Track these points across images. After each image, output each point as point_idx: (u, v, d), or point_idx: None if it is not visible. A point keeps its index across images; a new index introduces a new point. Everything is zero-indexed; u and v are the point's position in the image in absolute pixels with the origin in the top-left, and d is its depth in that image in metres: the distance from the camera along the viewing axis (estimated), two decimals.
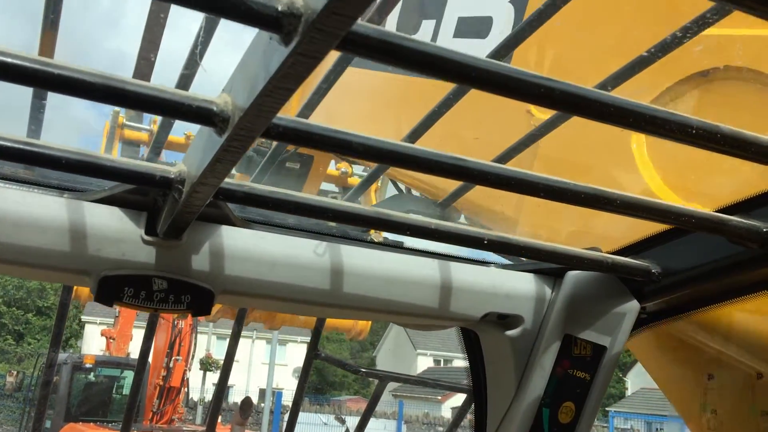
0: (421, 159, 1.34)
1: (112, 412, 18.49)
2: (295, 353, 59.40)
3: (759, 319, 2.04)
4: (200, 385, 33.31)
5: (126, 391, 18.82)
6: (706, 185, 2.02)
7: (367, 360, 71.96)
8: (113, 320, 22.52)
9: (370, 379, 3.61)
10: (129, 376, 18.70)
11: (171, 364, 18.00)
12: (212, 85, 1.24)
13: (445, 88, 1.87)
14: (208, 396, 33.67)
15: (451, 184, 2.34)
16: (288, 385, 45.76)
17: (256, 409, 33.58)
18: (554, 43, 2.25)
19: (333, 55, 1.33)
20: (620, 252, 1.98)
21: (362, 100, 3.71)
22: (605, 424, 43.36)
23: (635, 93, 1.67)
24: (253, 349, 51.49)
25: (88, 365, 18.51)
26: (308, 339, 2.89)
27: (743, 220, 1.60)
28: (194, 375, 23.51)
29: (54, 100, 1.64)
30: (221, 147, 1.10)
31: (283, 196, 1.56)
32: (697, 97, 1.96)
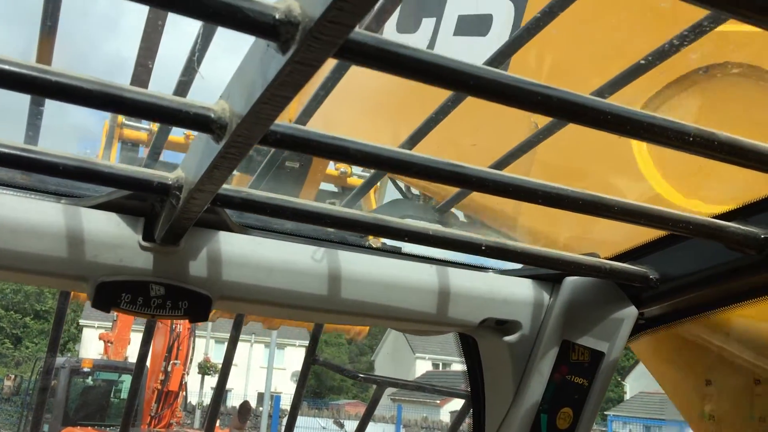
0: (418, 165, 1.34)
1: (109, 416, 18.48)
2: (294, 357, 59.36)
3: (757, 325, 2.04)
4: (198, 389, 33.30)
5: (124, 395, 18.80)
6: (709, 183, 2.02)
7: (365, 364, 71.92)
8: (111, 324, 22.52)
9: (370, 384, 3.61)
10: (127, 380, 18.70)
11: (169, 368, 17.98)
12: (209, 91, 1.24)
13: (445, 92, 1.87)
14: (206, 400, 33.64)
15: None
16: (286, 389, 45.69)
17: (255, 413, 33.56)
18: (551, 49, 2.25)
19: (330, 62, 1.33)
20: (618, 258, 1.98)
21: (361, 102, 3.71)
22: (604, 428, 43.32)
23: (637, 89, 1.67)
24: (251, 353, 51.46)
25: (86, 369, 18.51)
26: (307, 343, 2.89)
27: (741, 227, 1.60)
28: (192, 379, 23.49)
29: (52, 105, 1.64)
30: (219, 154, 1.10)
31: (281, 202, 1.56)
32: (698, 93, 1.96)
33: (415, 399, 51.76)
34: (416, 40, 3.25)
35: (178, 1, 0.85)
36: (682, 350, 2.31)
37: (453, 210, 2.84)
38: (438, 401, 52.05)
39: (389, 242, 2.13)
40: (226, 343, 2.89)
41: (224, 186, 1.43)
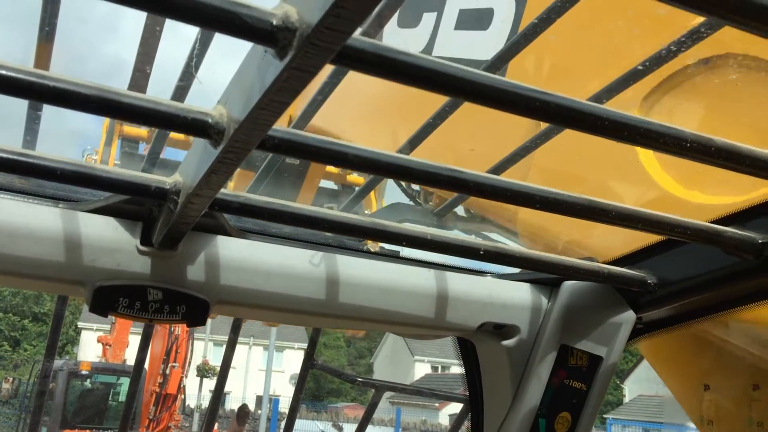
0: (416, 170, 1.34)
1: (108, 419, 18.47)
2: (293, 360, 59.32)
3: (755, 329, 2.04)
4: (197, 392, 33.26)
5: (122, 397, 18.79)
6: (709, 175, 2.01)
7: (364, 367, 71.89)
8: (110, 327, 22.49)
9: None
10: (125, 382, 18.69)
11: (167, 371, 17.97)
12: (207, 96, 1.24)
13: (442, 97, 1.87)
14: (205, 403, 33.61)
15: None
16: (285, 392, 45.64)
17: (253, 416, 33.52)
18: (549, 54, 2.25)
19: (328, 67, 1.33)
20: (616, 262, 1.98)
21: (359, 107, 3.71)
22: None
23: (637, 90, 1.66)
24: (250, 356, 51.42)
25: (84, 372, 18.50)
26: (305, 345, 2.88)
27: (738, 231, 1.60)
28: (191, 382, 23.47)
29: (50, 110, 1.64)
30: (216, 159, 1.10)
31: (279, 206, 1.56)
32: (699, 84, 1.95)
33: (414, 402, 51.70)
34: (417, 35, 3.25)
35: (176, 8, 0.85)
36: (680, 355, 2.31)
37: (450, 222, 2.84)
38: (437, 404, 51.99)
39: (387, 246, 2.13)
40: (224, 346, 2.89)
41: (222, 190, 1.43)
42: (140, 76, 1.69)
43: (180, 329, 18.03)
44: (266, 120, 0.99)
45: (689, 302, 1.91)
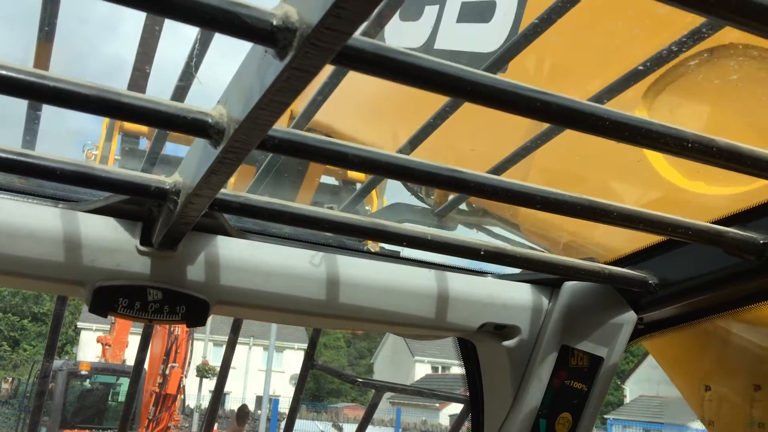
0: (417, 171, 1.34)
1: (107, 419, 18.47)
2: (293, 360, 59.33)
3: (756, 330, 2.04)
4: (196, 392, 33.26)
5: (122, 398, 18.79)
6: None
7: (364, 367, 71.90)
8: (109, 327, 22.49)
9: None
10: (125, 383, 18.70)
11: (167, 371, 17.96)
12: (207, 97, 1.24)
13: (443, 97, 1.86)
14: (205, 403, 33.62)
15: None
16: (285, 393, 45.66)
17: (253, 416, 33.52)
18: (549, 54, 2.25)
19: (329, 67, 1.33)
20: (617, 263, 1.97)
21: (359, 107, 3.70)
22: None
23: (637, 90, 1.65)
24: (249, 356, 51.43)
25: (83, 372, 18.50)
26: (305, 346, 2.88)
27: (740, 232, 1.60)
28: (190, 382, 23.46)
29: (49, 110, 1.64)
30: (216, 159, 1.10)
31: (279, 206, 1.55)
32: (702, 74, 1.94)
33: (414, 402, 51.69)
34: (419, 28, 3.24)
35: (175, 8, 0.84)
36: (681, 355, 2.30)
37: (450, 222, 2.83)
38: (437, 405, 51.99)
39: (388, 247, 2.13)
40: (224, 346, 2.88)
41: (222, 190, 1.43)
42: (140, 76, 1.69)
43: (180, 329, 18.02)
44: (266, 120, 0.99)
45: (690, 303, 1.91)
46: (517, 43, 1.65)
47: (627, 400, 58.29)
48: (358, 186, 8.01)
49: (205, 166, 1.15)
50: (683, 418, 41.76)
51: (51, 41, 1.58)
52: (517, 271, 2.12)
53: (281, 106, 0.94)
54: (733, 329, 2.08)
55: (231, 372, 2.91)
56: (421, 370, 65.25)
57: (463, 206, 3.11)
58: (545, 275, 2.04)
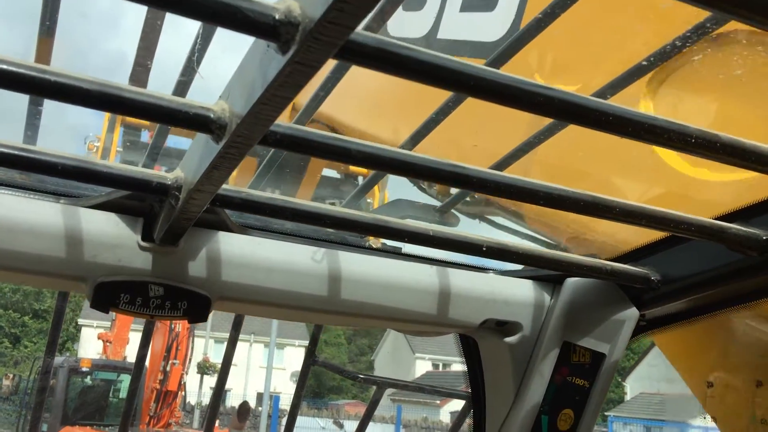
0: (419, 166, 1.34)
1: (108, 415, 18.48)
2: (293, 357, 59.36)
3: (758, 327, 2.03)
4: (197, 389, 33.27)
5: (123, 394, 18.80)
6: None
7: (365, 364, 71.95)
8: (110, 324, 22.49)
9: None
10: (125, 379, 18.70)
11: (168, 368, 17.97)
12: (208, 92, 1.23)
13: (446, 92, 1.86)
14: (205, 400, 33.65)
15: None
16: (286, 389, 45.68)
17: (254, 413, 33.55)
18: (551, 49, 2.24)
19: (331, 62, 1.32)
20: (619, 259, 1.97)
21: (361, 102, 3.69)
22: (604, 429, 43.36)
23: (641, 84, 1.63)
24: (250, 353, 51.46)
25: (84, 369, 18.50)
26: (306, 343, 2.87)
27: (742, 228, 1.59)
28: (191, 379, 23.47)
29: (51, 105, 1.64)
30: (218, 154, 1.10)
31: (281, 202, 1.55)
32: (708, 59, 1.93)
33: (415, 399, 51.74)
34: (422, 18, 3.23)
35: (177, 2, 0.84)
36: (684, 352, 2.30)
37: (452, 218, 2.82)
38: (438, 402, 52.04)
39: (389, 242, 2.12)
40: (225, 343, 2.88)
41: (224, 186, 1.43)
42: (141, 71, 1.68)
43: (180, 326, 18.03)
44: (268, 115, 0.98)
45: (693, 299, 1.91)
46: (520, 38, 1.64)
47: (628, 397, 58.34)
48: (360, 179, 8.01)
49: (207, 162, 1.15)
50: (684, 415, 41.80)
51: (52, 36, 1.58)
52: (519, 267, 2.12)
53: (283, 101, 0.94)
54: (735, 326, 2.08)
55: (232, 369, 2.90)
56: (422, 367, 65.29)
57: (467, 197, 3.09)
58: (547, 271, 2.04)
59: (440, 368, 66.18)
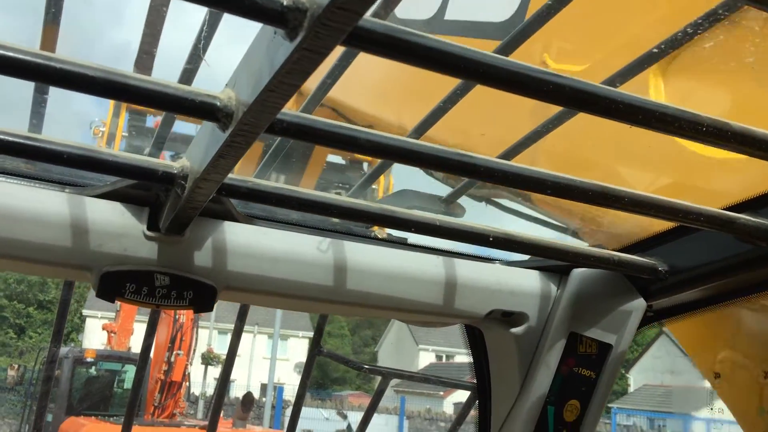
0: (426, 155, 1.33)
1: (113, 405, 18.53)
2: (297, 348, 59.56)
3: (766, 318, 2.02)
4: (201, 380, 33.37)
5: (127, 385, 18.86)
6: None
7: (369, 355, 72.11)
8: (114, 314, 22.54)
9: (372, 375, 3.60)
10: (130, 370, 18.74)
11: (172, 359, 18.01)
12: (214, 81, 1.23)
13: (453, 80, 1.84)
14: (210, 390, 33.73)
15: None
16: (289, 380, 45.84)
17: (258, 404, 33.65)
18: (560, 37, 2.22)
19: (338, 50, 1.31)
20: (627, 249, 1.96)
21: (368, 91, 3.66)
22: (607, 421, 43.40)
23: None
24: (254, 344, 51.55)
25: (89, 359, 18.55)
26: (310, 334, 2.88)
27: (752, 218, 1.58)
28: (195, 369, 23.54)
29: (57, 92, 1.63)
30: (225, 142, 1.09)
31: (286, 191, 1.54)
32: (719, 46, 1.90)
33: (419, 391, 51.88)
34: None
35: None
36: (692, 343, 2.29)
37: (458, 209, 2.80)
38: (441, 393, 52.18)
39: (395, 233, 2.12)
40: (229, 334, 2.88)
41: (230, 175, 1.42)
42: (146, 59, 1.67)
43: (184, 317, 18.06)
44: (275, 103, 0.97)
45: (701, 290, 1.90)
46: (529, 25, 1.63)
47: (631, 389, 58.41)
48: (365, 165, 7.99)
49: (213, 150, 1.14)
50: (688, 407, 41.85)
51: (57, 23, 1.57)
52: (525, 257, 2.11)
53: (291, 88, 0.93)
54: (743, 317, 2.07)
55: (236, 360, 2.90)
56: (426, 359, 65.42)
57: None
58: (554, 262, 2.03)
59: (444, 360, 66.32)
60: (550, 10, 1.56)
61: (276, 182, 1.59)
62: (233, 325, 2.77)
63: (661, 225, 1.85)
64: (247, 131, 1.06)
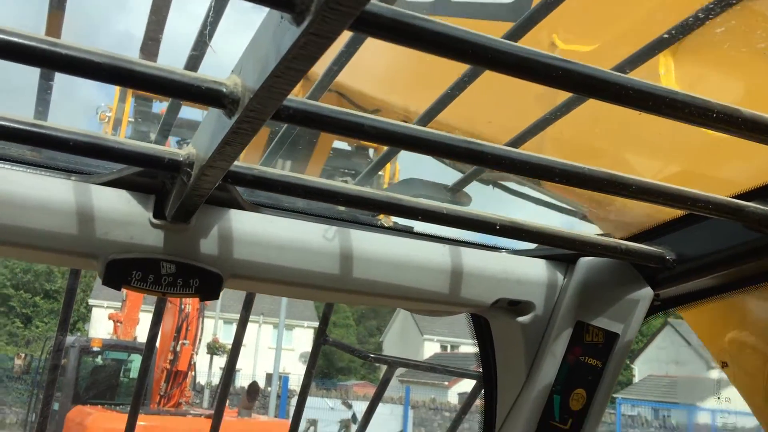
0: (433, 142, 1.32)
1: (119, 395, 18.62)
2: (302, 338, 59.64)
3: None
4: (207, 369, 33.49)
5: (133, 374, 18.95)
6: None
7: (374, 345, 72.21)
8: (120, 304, 22.61)
9: (378, 364, 3.60)
10: (136, 359, 18.83)
11: (178, 348, 18.06)
12: (220, 68, 1.22)
13: (461, 67, 1.82)
14: (215, 380, 33.87)
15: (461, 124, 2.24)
16: (295, 370, 45.90)
17: (263, 393, 33.75)
18: (570, 10, 2.19)
19: (345, 36, 1.30)
20: (634, 238, 1.95)
21: (375, 77, 3.64)
22: (612, 411, 43.38)
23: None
24: (259, 334, 51.68)
25: (95, 349, 18.63)
26: (315, 324, 2.87)
27: (760, 206, 1.57)
28: (201, 359, 23.60)
29: (62, 79, 1.62)
30: (231, 129, 1.09)
31: (293, 179, 1.54)
32: (731, 32, 1.88)
33: (423, 381, 51.97)
34: None
35: None
36: (698, 331, 2.28)
37: (465, 197, 2.79)
38: (446, 383, 52.26)
39: (401, 221, 2.11)
40: (234, 324, 2.88)
41: (236, 163, 1.42)
42: (152, 45, 1.67)
43: (190, 307, 18.10)
44: (282, 89, 0.97)
45: (708, 279, 1.89)
46: (537, 11, 1.62)
47: (636, 379, 58.46)
48: (371, 152, 7.96)
49: (219, 137, 1.14)
50: (693, 397, 41.88)
51: (62, 9, 1.56)
52: (532, 246, 2.10)
53: (297, 74, 0.92)
54: (750, 305, 2.06)
55: (241, 349, 2.90)
56: (430, 349, 65.46)
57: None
58: (560, 250, 2.02)
59: (449, 349, 66.36)
60: None
61: (282, 168, 1.58)
62: (239, 315, 2.77)
63: (668, 213, 1.84)
64: (254, 118, 1.05)
